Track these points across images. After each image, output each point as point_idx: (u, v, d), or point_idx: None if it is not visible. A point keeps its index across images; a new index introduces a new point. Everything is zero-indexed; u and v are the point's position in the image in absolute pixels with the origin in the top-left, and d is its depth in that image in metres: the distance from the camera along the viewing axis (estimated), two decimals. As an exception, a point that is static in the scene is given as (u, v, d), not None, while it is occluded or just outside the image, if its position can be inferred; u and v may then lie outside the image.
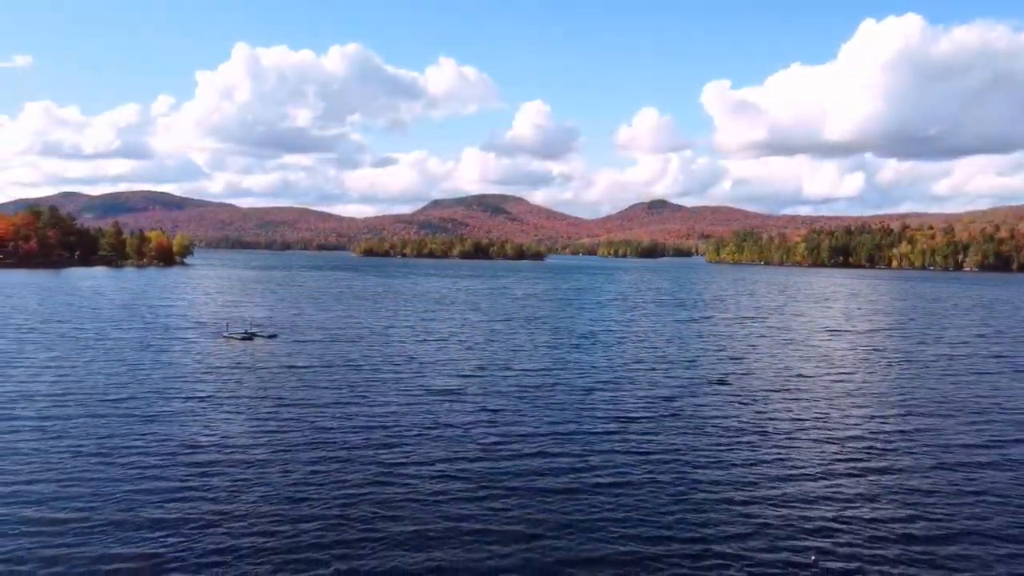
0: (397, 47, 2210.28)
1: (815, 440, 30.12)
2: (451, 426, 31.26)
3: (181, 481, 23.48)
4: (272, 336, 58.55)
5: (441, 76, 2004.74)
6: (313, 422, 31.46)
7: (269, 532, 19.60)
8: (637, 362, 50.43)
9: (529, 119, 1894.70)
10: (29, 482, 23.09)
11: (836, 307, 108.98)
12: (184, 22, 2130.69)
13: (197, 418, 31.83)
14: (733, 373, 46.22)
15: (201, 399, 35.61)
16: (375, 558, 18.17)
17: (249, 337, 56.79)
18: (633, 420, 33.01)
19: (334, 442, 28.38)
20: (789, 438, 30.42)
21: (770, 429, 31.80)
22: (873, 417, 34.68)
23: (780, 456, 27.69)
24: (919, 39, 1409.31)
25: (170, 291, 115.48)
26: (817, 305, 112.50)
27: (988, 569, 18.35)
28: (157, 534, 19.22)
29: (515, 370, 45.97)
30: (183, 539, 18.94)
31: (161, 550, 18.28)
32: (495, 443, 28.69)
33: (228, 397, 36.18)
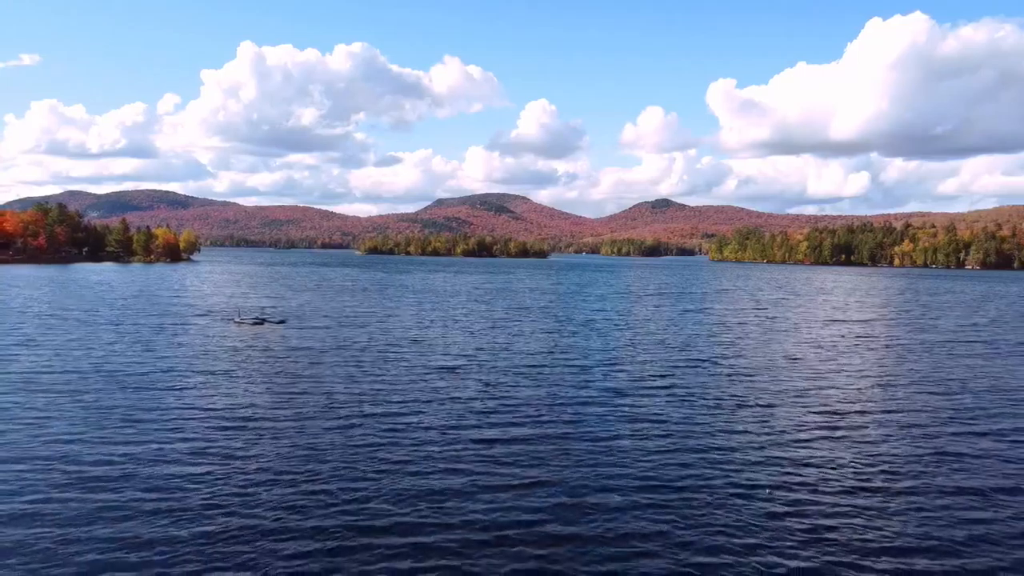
0: (402, 46, 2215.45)
1: (795, 409, 32.13)
2: (453, 397, 33.39)
3: (206, 441, 25.48)
4: (281, 321, 60.82)
5: (446, 75, 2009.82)
6: (323, 393, 33.59)
7: (285, 483, 21.53)
8: (633, 344, 52.51)
9: (534, 118, 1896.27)
10: (64, 443, 25.07)
11: (833, 299, 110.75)
12: (190, 21, 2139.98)
13: (214, 389, 34.02)
14: (724, 354, 48.20)
15: (217, 373, 37.80)
16: (382, 506, 19.99)
17: (259, 322, 59.07)
18: (625, 392, 35.08)
19: (343, 409, 30.51)
20: (768, 407, 32.45)
21: (752, 400, 33.84)
22: (853, 390, 36.65)
23: (760, 422, 29.71)
24: (925, 38, 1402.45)
25: (180, 284, 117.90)
26: (814, 298, 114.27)
27: (933, 513, 20.41)
28: (182, 487, 20.89)
29: (515, 351, 48.07)
30: (206, 491, 20.64)
31: (185, 501, 19.91)
32: (494, 410, 30.80)
33: (243, 372, 38.37)
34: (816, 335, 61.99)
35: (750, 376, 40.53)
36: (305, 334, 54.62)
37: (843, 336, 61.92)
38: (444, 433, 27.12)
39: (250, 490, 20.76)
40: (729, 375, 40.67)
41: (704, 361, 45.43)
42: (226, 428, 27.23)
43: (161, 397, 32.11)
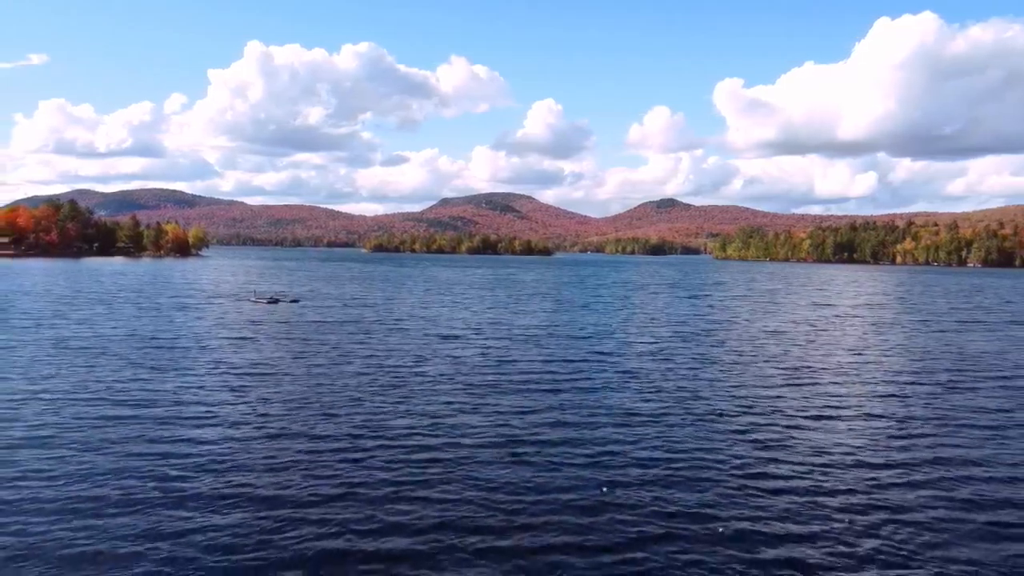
0: (409, 46, 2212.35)
1: (764, 366, 35.20)
2: (453, 357, 36.56)
3: (232, 388, 28.56)
4: (295, 300, 64.14)
5: (453, 75, 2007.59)
6: (336, 356, 36.71)
7: (306, 418, 24.63)
8: (627, 322, 55.53)
9: (541, 118, 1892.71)
10: (109, 389, 28.38)
11: (828, 291, 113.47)
12: (197, 21, 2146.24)
13: (237, 349, 37.22)
14: (712, 329, 51.20)
15: (239, 339, 41.03)
16: (391, 448, 22.82)
17: (274, 301, 62.38)
18: (613, 355, 38.15)
19: (355, 366, 33.67)
20: (745, 368, 35.50)
21: (729, 359, 36.90)
22: (823, 354, 39.66)
23: (732, 374, 32.79)
24: (934, 38, 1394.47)
25: (192, 274, 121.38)
26: (810, 289, 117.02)
27: (883, 453, 23.42)
28: (203, 435, 22.87)
29: (515, 325, 51.17)
30: (226, 436, 22.77)
31: (207, 446, 21.72)
32: (491, 369, 33.88)
33: (262, 337, 41.61)
34: (805, 315, 64.87)
35: (732, 341, 43.58)
36: (318, 311, 57.83)
37: (832, 317, 64.79)
38: (445, 385, 30.11)
39: (266, 434, 23.19)
40: (712, 344, 43.71)
41: (691, 333, 48.49)
42: (245, 378, 30.32)
43: (190, 355, 35.31)
